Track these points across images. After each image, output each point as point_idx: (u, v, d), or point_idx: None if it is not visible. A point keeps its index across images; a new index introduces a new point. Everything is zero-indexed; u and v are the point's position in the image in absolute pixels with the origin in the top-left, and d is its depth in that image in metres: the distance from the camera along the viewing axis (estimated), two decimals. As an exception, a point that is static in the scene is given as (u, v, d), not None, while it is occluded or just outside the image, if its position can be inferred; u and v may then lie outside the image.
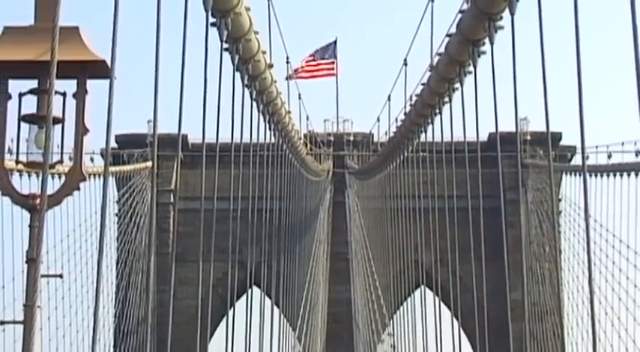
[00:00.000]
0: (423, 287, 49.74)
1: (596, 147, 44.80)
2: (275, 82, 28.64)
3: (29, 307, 11.93)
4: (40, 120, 12.16)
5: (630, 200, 40.83)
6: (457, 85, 24.93)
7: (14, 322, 12.45)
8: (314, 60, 59.67)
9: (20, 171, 12.82)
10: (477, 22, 18.62)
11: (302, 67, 58.66)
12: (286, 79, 46.48)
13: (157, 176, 48.04)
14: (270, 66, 26.58)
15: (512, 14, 16.56)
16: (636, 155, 41.61)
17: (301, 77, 57.00)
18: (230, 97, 23.64)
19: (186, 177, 50.66)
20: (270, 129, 35.20)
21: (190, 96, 17.26)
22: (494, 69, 19.18)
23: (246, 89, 25.65)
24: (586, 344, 43.97)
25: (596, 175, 42.96)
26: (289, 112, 37.83)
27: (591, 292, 15.97)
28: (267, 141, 35.21)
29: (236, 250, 36.89)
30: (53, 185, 12.07)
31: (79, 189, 12.37)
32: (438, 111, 30.73)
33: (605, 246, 42.80)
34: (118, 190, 49.43)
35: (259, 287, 42.92)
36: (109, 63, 11.96)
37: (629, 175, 41.33)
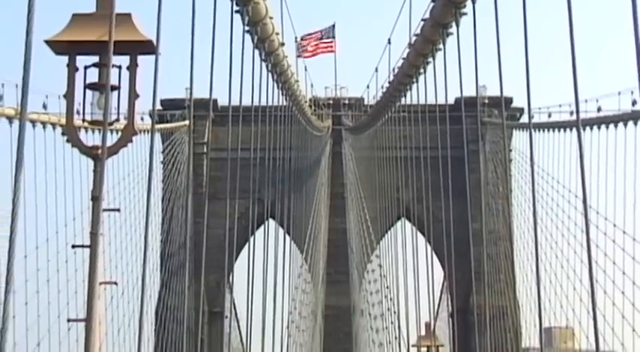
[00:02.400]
0: (403, 219, 49.87)
1: (539, 108, 44.80)
2: (286, 57, 28.60)
3: (94, 234, 11.98)
4: (100, 87, 12.17)
5: (566, 149, 41.13)
6: (430, 60, 24.96)
7: (82, 246, 12.49)
8: (317, 38, 59.48)
9: (86, 128, 12.83)
10: (446, 10, 18.74)
11: (307, 44, 58.46)
12: (297, 57, 46.56)
13: (193, 132, 48.01)
14: (282, 44, 26.55)
15: (473, 3, 16.61)
16: (570, 114, 41.53)
17: (306, 55, 56.82)
18: (251, 69, 23.66)
19: (216, 133, 50.64)
20: (282, 94, 35.13)
21: (219, 69, 17.28)
22: (459, 47, 19.20)
23: (263, 62, 25.64)
24: (530, 263, 43.90)
25: (538, 130, 43.11)
26: (297, 81, 37.73)
27: (535, 222, 15.98)
28: (280, 104, 35.18)
29: (256, 190, 36.88)
30: (111, 138, 12.10)
31: (131, 141, 12.39)
32: (415, 80, 30.72)
33: (546, 186, 42.84)
34: (163, 143, 49.47)
35: (274, 219, 42.95)
36: (154, 42, 11.99)
37: (565, 130, 41.69)
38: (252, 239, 38.01)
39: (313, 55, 59.04)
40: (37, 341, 32.17)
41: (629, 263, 37.78)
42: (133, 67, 12.21)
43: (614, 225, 38.63)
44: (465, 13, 17.98)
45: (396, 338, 46.72)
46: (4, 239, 9.49)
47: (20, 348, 30.41)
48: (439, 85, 24.79)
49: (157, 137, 46.48)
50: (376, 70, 51.20)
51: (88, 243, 12.17)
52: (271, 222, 42.15)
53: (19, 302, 30.39)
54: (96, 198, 11.89)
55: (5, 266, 9.21)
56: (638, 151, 35.70)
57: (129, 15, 11.97)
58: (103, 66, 12.12)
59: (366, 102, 59.84)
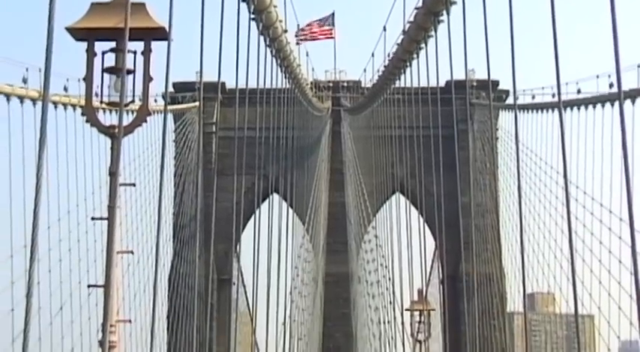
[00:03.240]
0: (397, 193, 49.74)
1: (524, 90, 44.72)
2: (289, 43, 28.58)
3: (111, 207, 12.00)
4: (117, 71, 12.18)
5: (548, 128, 41.20)
6: (422, 45, 24.93)
7: (101, 218, 12.50)
8: (318, 26, 59.29)
9: (104, 109, 12.83)
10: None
11: (309, 31, 58.31)
12: (297, 43, 46.38)
13: (202, 112, 47.95)
14: (285, 31, 26.51)
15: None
16: (552, 96, 41.49)
17: (307, 39, 56.66)
18: (256, 54, 23.64)
19: (224, 113, 50.67)
20: (285, 77, 35.09)
21: (227, 54, 17.26)
22: (449, 34, 19.15)
23: (267, 48, 25.61)
24: (515, 233, 43.95)
25: (523, 111, 43.08)
26: (299, 65, 37.74)
27: (519, 196, 15.98)
28: (284, 86, 35.13)
29: (261, 166, 36.90)
30: (127, 119, 12.11)
31: (146, 121, 12.40)
32: (408, 64, 30.65)
33: (530, 163, 42.82)
34: (175, 123, 49.40)
35: (278, 193, 42.93)
36: (167, 29, 12.00)
37: (547, 110, 41.72)
38: (257, 211, 38.05)
39: (313, 40, 58.84)
40: (60, 305, 32.27)
41: (605, 233, 37.82)
42: (147, 52, 12.21)
43: (592, 199, 38.66)
44: (455, 2, 17.96)
45: (390, 302, 46.81)
46: (29, 212, 9.50)
47: (44, 312, 30.47)
48: (431, 69, 24.79)
49: (170, 117, 46.41)
50: (372, 55, 51.20)
51: (106, 215, 12.20)
52: (275, 196, 42.16)
53: (43, 269, 30.44)
54: (113, 173, 11.92)
55: (30, 236, 9.24)
56: (614, 130, 35.66)
57: (143, 4, 12.00)
58: (119, 51, 12.13)
59: (363, 85, 59.78)
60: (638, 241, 9.58)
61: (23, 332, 9.25)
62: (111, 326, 12.24)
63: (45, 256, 31.62)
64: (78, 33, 12.01)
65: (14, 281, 29.10)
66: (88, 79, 12.16)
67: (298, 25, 49.57)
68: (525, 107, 43.42)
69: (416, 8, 22.24)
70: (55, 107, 33.20)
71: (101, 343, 12.06)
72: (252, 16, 21.25)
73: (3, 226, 32.34)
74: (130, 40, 11.44)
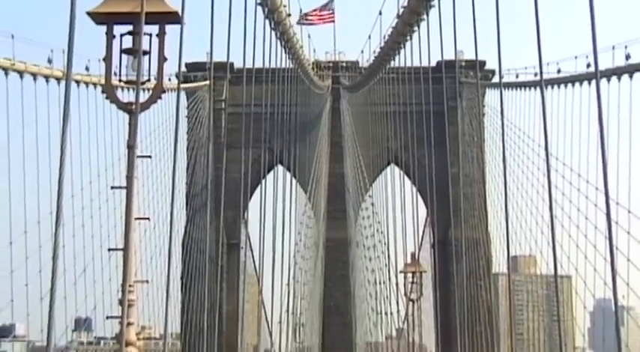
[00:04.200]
0: (392, 164, 49.83)
1: (508, 70, 44.58)
2: (292, 26, 28.55)
3: (129, 178, 12.01)
4: (134, 52, 12.17)
5: (530, 104, 41.25)
6: (415, 28, 24.88)
7: (120, 187, 12.52)
8: (319, 12, 59.08)
9: (122, 87, 12.82)
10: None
11: (312, 16, 58.10)
12: (297, 22, 46.21)
13: (213, 90, 47.85)
14: (289, 15, 26.47)
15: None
16: (535, 75, 41.38)
17: (310, 24, 56.45)
18: (262, 37, 23.64)
19: (233, 91, 50.51)
20: (289, 58, 35.03)
21: (235, 37, 17.24)
22: (440, 18, 19.15)
23: (273, 31, 25.60)
24: (500, 201, 43.94)
25: (508, 89, 42.99)
26: (302, 47, 37.66)
27: (504, 167, 16.01)
28: (287, 66, 35.09)
29: (267, 140, 36.89)
30: (144, 96, 12.11)
31: (160, 98, 12.41)
32: (402, 46, 30.59)
33: (514, 136, 42.77)
34: (187, 100, 49.36)
35: (283, 164, 42.98)
36: (180, 13, 12.00)
37: (530, 88, 41.74)
38: (263, 181, 38.15)
39: (314, 24, 58.60)
40: (83, 267, 32.37)
41: (583, 201, 37.89)
42: (161, 35, 12.20)
43: (571, 170, 38.67)
44: (445, -11, 17.92)
45: (385, 265, 46.92)
46: (54, 182, 9.52)
47: (69, 273, 30.55)
48: (423, 51, 24.80)
49: (182, 95, 46.38)
50: (369, 37, 51.12)
51: (124, 185, 12.22)
52: (280, 168, 42.24)
53: (67, 234, 30.51)
54: (131, 146, 11.92)
55: (56, 204, 9.27)
56: (592, 105, 35.64)
57: (158, -10, 11.99)
58: (136, 34, 12.12)
59: (360, 65, 59.60)
60: (612, 208, 9.62)
61: (50, 291, 9.30)
62: (130, 286, 12.29)
63: (69, 222, 31.68)
64: (98, 17, 12.00)
65: (41, 245, 29.26)
66: (108, 59, 12.16)
67: (301, 10, 49.35)
68: (510, 85, 43.34)
69: (409, -6, 22.20)
70: (78, 85, 33.17)
71: (121, 301, 12.12)
72: (259, 1, 21.23)
73: (31, 195, 32.42)
74: (146, 23, 11.45)
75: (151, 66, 12.26)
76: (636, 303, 40.01)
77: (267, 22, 24.13)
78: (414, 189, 39.59)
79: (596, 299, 42.06)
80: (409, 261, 40.93)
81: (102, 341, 53.89)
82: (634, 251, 35.38)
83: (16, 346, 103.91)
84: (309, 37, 50.44)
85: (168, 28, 12.27)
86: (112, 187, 13.60)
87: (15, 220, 32.67)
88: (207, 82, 48.59)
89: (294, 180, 42.93)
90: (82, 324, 41.43)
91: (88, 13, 11.85)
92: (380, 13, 40.94)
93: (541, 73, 12.19)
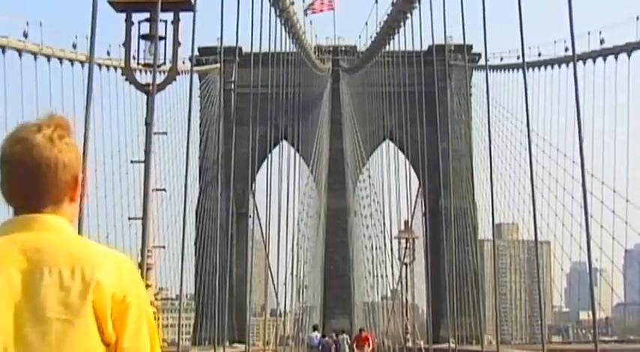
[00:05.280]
0: (387, 140, 49.78)
1: (494, 53, 44.54)
2: (295, 13, 28.53)
3: (147, 152, 12.02)
4: (151, 38, 12.19)
5: (514, 85, 41.33)
6: (408, 15, 24.83)
7: (139, 161, 12.54)
8: (320, 2, 58.79)
9: (140, 70, 12.83)
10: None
11: (314, 5, 57.86)
12: (305, 15, 46.23)
13: (223, 72, 47.76)
14: (292, 3, 26.44)
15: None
16: (517, 58, 41.32)
17: (314, 11, 56.21)
18: (268, 23, 23.61)
19: (241, 74, 50.35)
20: (293, 43, 34.94)
21: (243, 23, 17.20)
22: (432, 6, 19.13)
23: (277, 18, 25.56)
24: (486, 174, 43.81)
25: (492, 70, 42.98)
26: (304, 32, 37.60)
27: (489, 142, 16.00)
28: (291, 50, 35.01)
29: (272, 118, 36.85)
30: (160, 78, 12.12)
31: (175, 80, 12.42)
32: (396, 31, 30.51)
33: (498, 114, 42.83)
34: (200, 81, 49.26)
35: (287, 140, 42.93)
36: (193, 2, 12.00)
37: (513, 70, 41.85)
38: (269, 156, 38.19)
39: (316, 13, 58.35)
40: (106, 234, 32.52)
41: (561, 173, 38.00)
42: (176, 22, 12.21)
43: (550, 144, 38.78)
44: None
45: (381, 232, 46.98)
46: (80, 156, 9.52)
47: (93, 240, 30.60)
48: (415, 36, 24.77)
49: (195, 77, 46.21)
50: (366, 23, 51.12)
51: (143, 159, 12.24)
52: (284, 143, 42.21)
53: (91, 204, 30.59)
54: (148, 124, 11.94)
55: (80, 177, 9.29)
56: (569, 86, 35.60)
57: (172, -19, 11.99)
58: (152, 21, 12.12)
59: (358, 49, 59.47)
60: (587, 179, 9.64)
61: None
62: (148, 251, 12.35)
63: (93, 194, 31.73)
64: (118, 5, 12.00)
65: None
66: (127, 44, 12.17)
67: (304, 1, 49.26)
68: (495, 67, 43.32)
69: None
70: (100, 68, 33.14)
71: (140, 265, 12.16)
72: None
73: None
74: (162, 11, 11.45)
75: (166, 50, 12.29)
76: (607, 266, 40.23)
77: (272, 9, 24.10)
78: (407, 163, 39.64)
79: (572, 263, 42.25)
80: (403, 228, 41.07)
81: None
82: (607, 218, 35.52)
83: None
84: (310, 23, 50.34)
85: (182, 15, 12.28)
86: (132, 161, 13.65)
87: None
88: (218, 65, 48.47)
89: (297, 155, 42.95)
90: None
91: (109, 2, 11.85)
92: (376, 1, 40.95)
93: (523, 56, 12.18)
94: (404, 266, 40.73)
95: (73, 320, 1.91)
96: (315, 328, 35.18)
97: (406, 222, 40.65)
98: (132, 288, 2.01)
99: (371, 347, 27.03)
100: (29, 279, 1.94)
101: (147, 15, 12.17)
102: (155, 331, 2.07)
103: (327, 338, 31.99)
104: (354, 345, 25.76)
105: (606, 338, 52.40)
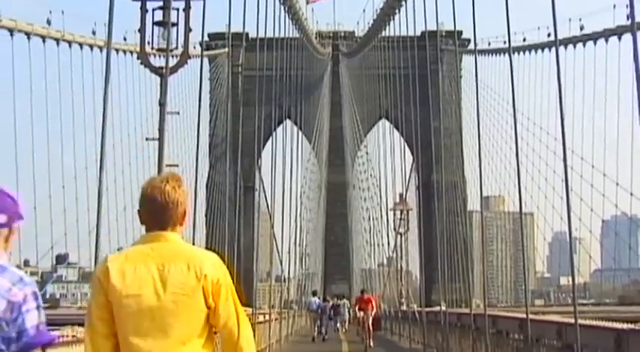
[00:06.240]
0: (383, 119, 49.72)
1: (482, 39, 44.51)
2: (297, 1, 28.35)
3: (161, 130, 12.02)
4: (164, 24, 12.14)
5: (500, 67, 41.40)
6: (403, 3, 24.73)
7: (153, 139, 12.53)
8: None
9: (154, 54, 12.81)
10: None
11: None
12: (307, 3, 46.06)
13: (231, 56, 47.66)
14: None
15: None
16: (504, 43, 41.30)
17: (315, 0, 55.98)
18: (273, 10, 23.53)
19: (248, 57, 50.24)
20: (296, 29, 34.85)
21: (250, 10, 17.13)
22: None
23: (281, 5, 25.48)
24: (475, 150, 43.88)
25: (481, 54, 42.98)
26: (307, 19, 37.46)
27: (478, 121, 15.97)
28: (294, 35, 34.91)
29: (277, 98, 36.79)
30: (173, 61, 12.09)
31: (187, 63, 12.40)
32: (392, 18, 30.41)
33: (486, 95, 42.77)
34: (209, 65, 49.16)
35: (291, 119, 42.91)
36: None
37: (500, 54, 41.85)
38: (274, 134, 38.06)
39: (317, 1, 58.11)
40: (124, 205, 32.54)
41: (543, 149, 38.03)
42: (187, 9, 12.17)
43: (534, 123, 38.78)
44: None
45: (378, 204, 47.12)
46: (98, 134, 9.53)
47: (111, 210, 30.64)
48: (409, 22, 24.70)
49: (205, 60, 46.17)
50: (364, 10, 51.26)
51: (157, 137, 12.24)
52: (288, 122, 42.24)
53: (109, 178, 30.68)
54: (162, 104, 11.93)
55: (100, 153, 9.30)
56: (551, 68, 35.55)
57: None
58: (165, 8, 12.08)
59: (356, 35, 59.39)
60: (568, 155, 9.65)
61: (96, 226, 9.38)
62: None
63: (111, 168, 31.83)
64: (134, -6, 11.96)
65: (88, 187, 29.46)
66: (142, 30, 12.13)
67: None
68: (483, 52, 43.27)
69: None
70: (117, 53, 33.15)
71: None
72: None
73: (79, 145, 32.52)
74: (174, -1, 11.40)
75: (178, 36, 12.25)
76: (586, 235, 40.39)
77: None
78: (402, 140, 39.63)
79: (554, 232, 42.46)
80: (397, 200, 41.14)
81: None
82: (585, 191, 35.63)
83: (69, 271, 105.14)
84: (312, 10, 50.20)
85: (193, 3, 12.24)
86: (147, 139, 13.66)
87: (66, 168, 32.90)
88: (226, 50, 48.42)
89: (300, 133, 42.95)
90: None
91: (125, -9, 11.81)
92: (373, -10, 40.80)
93: (509, 41, 12.15)
94: (398, 236, 40.82)
95: (191, 295, 2.99)
96: (314, 293, 35.29)
97: (401, 195, 40.69)
98: (222, 275, 3.08)
99: (374, 310, 24.27)
100: (162, 270, 3.01)
101: (160, 3, 12.15)
102: (237, 301, 3.10)
103: (325, 303, 32.08)
104: (356, 308, 24.38)
105: (584, 301, 52.65)
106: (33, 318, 2.70)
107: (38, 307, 2.73)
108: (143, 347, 2.94)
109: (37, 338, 2.72)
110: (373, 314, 23.57)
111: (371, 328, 22.73)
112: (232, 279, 3.18)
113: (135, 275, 3.00)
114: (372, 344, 22.43)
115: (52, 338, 2.87)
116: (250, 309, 18.15)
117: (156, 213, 3.09)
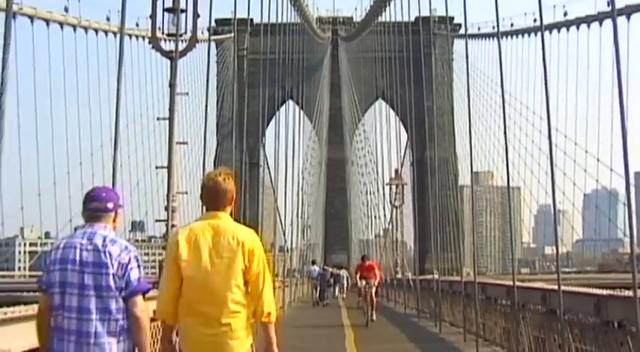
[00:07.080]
0: (380, 99, 49.64)
1: (472, 24, 44.39)
2: (299, -11, 28.10)
3: (171, 111, 12.02)
4: (174, 10, 12.11)
5: (488, 51, 41.40)
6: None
7: (164, 118, 12.53)
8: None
9: (165, 39, 12.78)
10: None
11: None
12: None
13: (237, 41, 47.52)
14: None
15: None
16: (493, 28, 41.19)
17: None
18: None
19: (253, 42, 49.90)
20: (298, 15, 34.72)
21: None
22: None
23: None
24: (465, 128, 43.91)
25: (472, 38, 42.92)
26: (307, 5, 37.30)
27: (468, 101, 15.95)
28: (296, 21, 34.78)
29: (280, 80, 36.73)
30: (182, 45, 12.06)
31: (195, 47, 12.39)
32: (387, 4, 30.26)
33: (476, 77, 42.79)
34: (216, 48, 49.07)
35: (293, 100, 42.84)
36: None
37: (489, 38, 41.82)
38: (277, 113, 38.13)
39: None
40: (137, 181, 32.75)
41: (530, 128, 38.06)
42: (195, -3, 12.13)
43: (521, 103, 38.76)
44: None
45: (375, 179, 47.15)
46: (113, 114, 9.51)
47: (126, 186, 30.82)
48: (404, 8, 24.65)
49: (212, 45, 46.02)
50: (361, -3, 50.83)
51: (167, 116, 12.24)
52: (290, 102, 42.16)
53: (124, 156, 30.75)
54: (172, 85, 11.91)
55: (114, 132, 9.31)
56: (537, 52, 35.54)
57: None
58: (175, -4, 12.06)
59: (354, 20, 59.28)
60: (552, 133, 9.66)
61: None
62: (173, 196, 12.38)
63: (125, 147, 31.90)
64: (144, -18, 11.90)
65: (104, 164, 29.55)
66: (153, 16, 12.12)
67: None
68: (473, 36, 43.20)
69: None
70: (130, 38, 33.14)
71: (166, 207, 12.23)
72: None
73: (95, 125, 32.57)
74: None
75: (187, 21, 12.23)
76: (569, 207, 40.46)
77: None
78: (397, 119, 39.54)
79: (539, 205, 42.50)
80: (393, 175, 41.13)
81: (152, 239, 54.52)
82: (569, 167, 35.71)
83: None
84: (313, -3, 50.06)
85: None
86: (158, 118, 13.61)
87: (83, 146, 33.00)
88: (232, 34, 48.29)
89: (301, 112, 42.88)
90: (137, 226, 41.92)
91: (137, -20, 11.76)
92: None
93: (498, 26, 12.11)
94: (394, 209, 40.88)
95: (234, 257, 3.97)
96: (314, 262, 35.47)
97: (396, 171, 40.69)
98: (255, 245, 4.05)
99: (378, 278, 19.40)
100: (215, 239, 3.99)
101: (170, -8, 12.15)
102: (266, 266, 4.01)
103: (325, 271, 32.26)
104: (357, 277, 18.52)
105: (567, 269, 52.82)
106: (135, 274, 3.76)
107: (139, 266, 3.79)
108: (200, 292, 3.90)
109: (139, 287, 3.76)
110: (377, 283, 19.29)
111: (375, 299, 18.86)
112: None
113: (195, 244, 3.96)
114: (374, 317, 18.47)
115: (149, 288, 3.83)
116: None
117: (211, 197, 4.07)
